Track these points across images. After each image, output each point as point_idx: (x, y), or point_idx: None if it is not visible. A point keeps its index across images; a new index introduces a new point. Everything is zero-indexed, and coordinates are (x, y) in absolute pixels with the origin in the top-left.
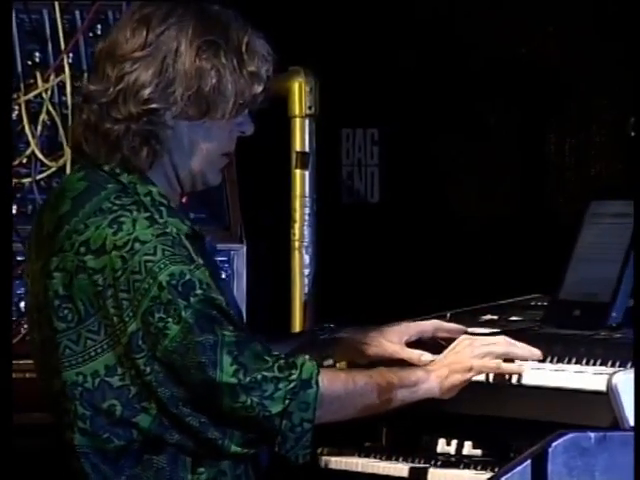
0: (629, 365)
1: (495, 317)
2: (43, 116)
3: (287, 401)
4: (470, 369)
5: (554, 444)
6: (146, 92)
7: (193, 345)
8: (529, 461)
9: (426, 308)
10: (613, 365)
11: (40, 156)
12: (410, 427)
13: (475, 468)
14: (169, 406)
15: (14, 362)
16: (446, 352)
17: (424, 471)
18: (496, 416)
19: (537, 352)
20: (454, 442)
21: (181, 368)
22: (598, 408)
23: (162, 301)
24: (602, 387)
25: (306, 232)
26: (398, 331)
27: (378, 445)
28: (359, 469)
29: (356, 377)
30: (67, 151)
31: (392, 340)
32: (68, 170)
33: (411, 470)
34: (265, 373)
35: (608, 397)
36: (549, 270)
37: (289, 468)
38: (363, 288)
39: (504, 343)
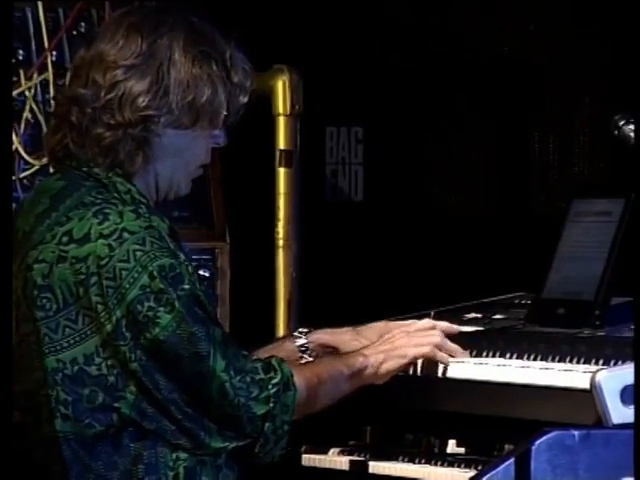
0: (612, 363)
1: (479, 315)
2: (26, 114)
3: (271, 404)
4: (405, 356)
5: (537, 442)
6: (144, 100)
7: (187, 335)
8: (513, 459)
9: (410, 306)
10: (597, 363)
11: (23, 154)
12: (394, 426)
13: (459, 466)
14: (153, 393)
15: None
16: (382, 339)
17: (408, 469)
18: (480, 414)
19: (465, 352)
20: (438, 440)
21: (172, 357)
22: (582, 406)
23: (153, 290)
24: (586, 385)
25: (290, 230)
26: (377, 329)
27: (362, 444)
28: (343, 467)
29: (318, 373)
30: None
31: (371, 338)
32: (51, 169)
33: (395, 468)
34: (252, 375)
35: (592, 395)
36: (532, 268)
37: (272, 464)
38: (347, 286)
39: (439, 335)
